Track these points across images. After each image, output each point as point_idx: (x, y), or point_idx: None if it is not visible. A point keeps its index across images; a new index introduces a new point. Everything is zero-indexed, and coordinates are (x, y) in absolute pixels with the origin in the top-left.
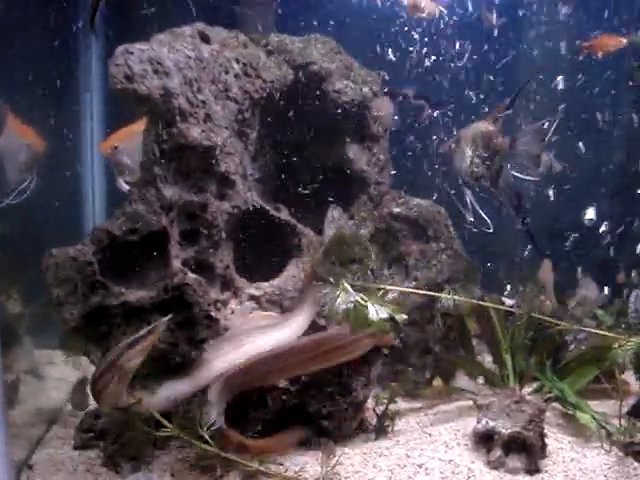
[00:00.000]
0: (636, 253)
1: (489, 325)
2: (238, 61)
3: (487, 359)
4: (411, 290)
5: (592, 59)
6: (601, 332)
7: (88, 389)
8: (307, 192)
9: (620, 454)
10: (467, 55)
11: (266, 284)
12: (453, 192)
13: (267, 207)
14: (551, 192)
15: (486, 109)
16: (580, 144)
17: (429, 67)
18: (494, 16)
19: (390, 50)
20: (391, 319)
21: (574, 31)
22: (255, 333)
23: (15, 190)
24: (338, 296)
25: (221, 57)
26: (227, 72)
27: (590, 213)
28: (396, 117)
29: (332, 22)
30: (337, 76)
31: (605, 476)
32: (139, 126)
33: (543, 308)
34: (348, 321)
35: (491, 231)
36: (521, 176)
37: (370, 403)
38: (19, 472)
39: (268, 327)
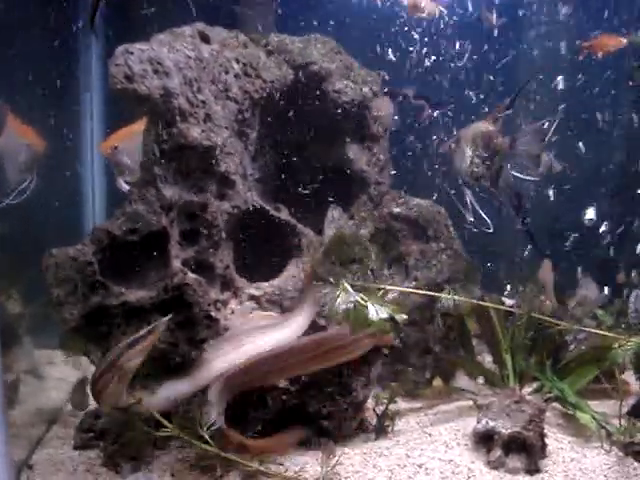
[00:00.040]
0: (636, 253)
1: (489, 325)
2: (238, 61)
3: (487, 359)
4: (411, 290)
5: (592, 59)
6: (601, 332)
7: (88, 389)
8: (307, 192)
9: (620, 454)
10: (467, 55)
11: (266, 284)
12: (453, 192)
13: (267, 207)
14: (551, 192)
15: (486, 109)
16: (580, 144)
17: (429, 67)
18: (494, 16)
19: (390, 50)
20: (391, 319)
21: (574, 31)
22: (255, 333)
23: (15, 190)
24: (338, 296)
25: (221, 57)
26: (227, 72)
27: (590, 213)
28: (396, 117)
29: (332, 22)
30: (337, 76)
31: (605, 476)
32: (139, 126)
33: (543, 308)
34: (348, 321)
35: (491, 231)
36: (521, 176)
37: (370, 403)
38: (19, 472)
39: (268, 327)
